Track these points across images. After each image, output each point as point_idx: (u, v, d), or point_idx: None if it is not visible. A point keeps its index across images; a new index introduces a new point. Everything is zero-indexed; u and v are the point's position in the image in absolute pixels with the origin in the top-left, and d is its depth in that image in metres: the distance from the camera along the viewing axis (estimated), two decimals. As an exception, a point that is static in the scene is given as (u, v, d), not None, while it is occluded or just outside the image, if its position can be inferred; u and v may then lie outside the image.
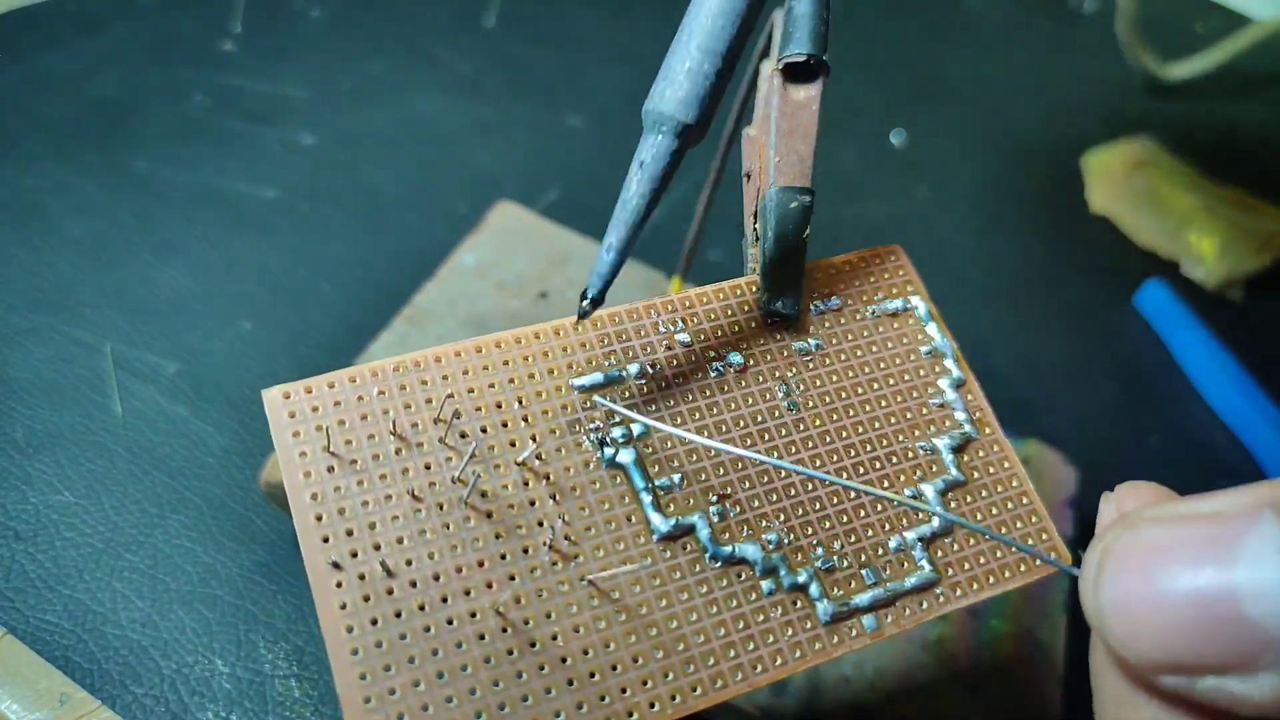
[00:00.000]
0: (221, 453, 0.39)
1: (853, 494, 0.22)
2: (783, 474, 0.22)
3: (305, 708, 0.33)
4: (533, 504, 0.20)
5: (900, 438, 0.23)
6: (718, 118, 0.24)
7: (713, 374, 0.23)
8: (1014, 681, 0.35)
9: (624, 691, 0.19)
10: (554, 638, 0.19)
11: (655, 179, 0.22)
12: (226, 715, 0.32)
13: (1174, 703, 0.15)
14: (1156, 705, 0.15)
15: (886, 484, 0.23)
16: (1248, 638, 0.14)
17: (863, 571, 0.21)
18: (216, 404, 0.40)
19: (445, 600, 0.19)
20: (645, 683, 0.19)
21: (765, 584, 0.21)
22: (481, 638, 0.19)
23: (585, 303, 0.21)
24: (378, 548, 0.19)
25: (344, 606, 0.18)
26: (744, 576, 0.21)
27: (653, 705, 0.19)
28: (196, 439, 0.39)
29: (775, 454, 0.22)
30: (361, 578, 0.19)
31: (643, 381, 0.22)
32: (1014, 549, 0.22)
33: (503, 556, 0.20)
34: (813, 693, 0.33)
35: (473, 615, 0.19)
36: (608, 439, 0.21)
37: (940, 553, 0.22)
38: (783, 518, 0.21)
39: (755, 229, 0.25)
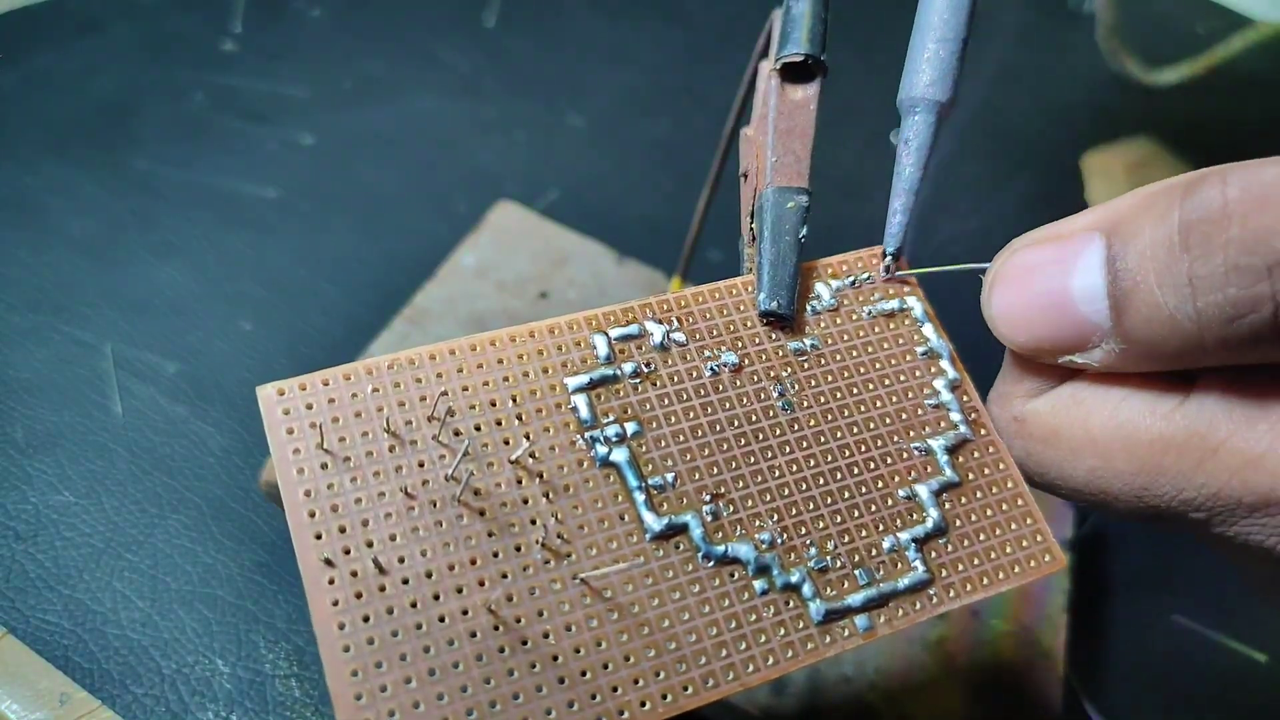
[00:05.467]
0: (221, 453, 0.39)
1: (847, 494, 0.22)
2: (777, 473, 0.22)
3: (305, 708, 0.33)
4: (526, 502, 0.20)
5: (895, 438, 0.23)
6: (716, 118, 0.25)
7: (708, 373, 0.23)
8: (1014, 681, 0.35)
9: (615, 690, 0.19)
10: (546, 635, 0.19)
11: (921, 150, 0.25)
12: (226, 715, 0.33)
13: (1047, 371, 0.22)
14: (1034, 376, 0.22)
15: (880, 484, 0.23)
16: (1082, 327, 0.19)
17: (856, 572, 0.21)
18: (216, 404, 0.41)
19: (437, 597, 0.19)
20: (637, 681, 0.19)
21: (758, 583, 0.21)
22: (473, 635, 0.19)
23: (887, 259, 0.25)
24: (370, 545, 0.19)
25: (336, 603, 0.18)
26: (737, 576, 0.21)
27: (644, 704, 0.19)
28: (196, 439, 0.39)
29: (769, 454, 0.22)
30: (354, 575, 0.19)
31: (637, 381, 0.22)
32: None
33: (495, 554, 0.20)
34: (813, 692, 0.33)
35: (465, 613, 0.19)
36: (601, 437, 0.21)
37: (934, 554, 0.22)
38: (776, 517, 0.21)
39: (752, 229, 0.25)
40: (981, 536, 0.23)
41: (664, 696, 0.19)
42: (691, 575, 0.20)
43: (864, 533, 0.22)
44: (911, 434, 0.23)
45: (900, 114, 0.25)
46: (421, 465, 0.20)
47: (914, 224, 0.25)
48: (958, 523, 0.23)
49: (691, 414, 0.22)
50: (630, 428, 0.22)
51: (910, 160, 0.25)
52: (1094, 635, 0.40)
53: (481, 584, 0.19)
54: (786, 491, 0.22)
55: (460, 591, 0.19)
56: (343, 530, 0.19)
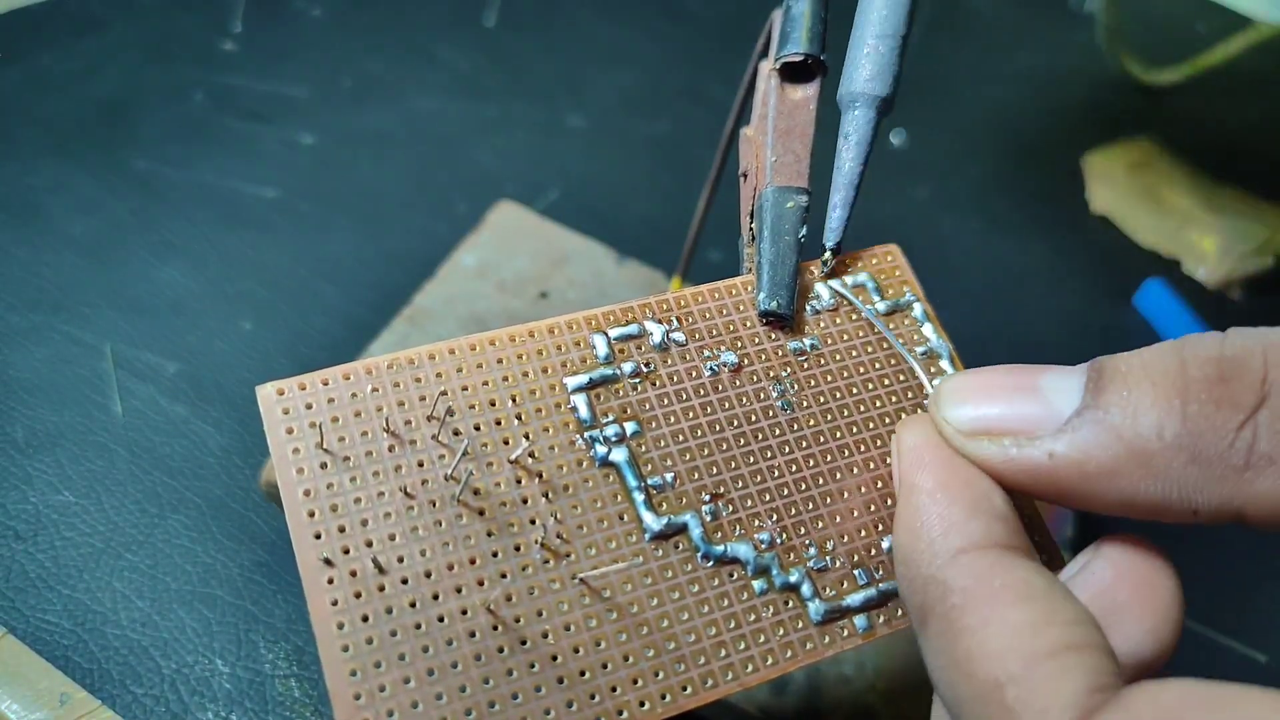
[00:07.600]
0: (221, 453, 0.39)
1: (846, 494, 0.22)
2: (776, 473, 0.22)
3: (305, 708, 0.33)
4: (525, 502, 0.20)
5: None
6: (716, 118, 0.25)
7: (707, 373, 0.23)
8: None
9: (614, 690, 0.19)
10: (545, 635, 0.19)
11: (861, 145, 0.25)
12: (226, 715, 0.33)
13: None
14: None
15: (880, 484, 0.23)
16: (1038, 410, 0.18)
17: (855, 572, 0.21)
18: (216, 404, 0.41)
19: (436, 597, 0.19)
20: (636, 681, 0.19)
21: (757, 583, 0.21)
22: (472, 635, 0.19)
23: (827, 254, 0.25)
24: (370, 544, 0.19)
25: (335, 603, 0.18)
26: (736, 576, 0.21)
27: (643, 704, 0.19)
28: (196, 439, 0.39)
29: (769, 454, 0.22)
30: (353, 574, 0.19)
31: (636, 381, 0.22)
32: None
33: (494, 554, 0.20)
34: (813, 692, 0.33)
35: (464, 612, 0.19)
36: (600, 437, 0.21)
37: (934, 552, 0.22)
38: (775, 517, 0.21)
39: (752, 229, 0.25)
40: (981, 536, 0.23)
41: (663, 696, 0.19)
42: (691, 575, 0.20)
43: (863, 533, 0.22)
44: (911, 434, 0.23)
45: (840, 109, 0.25)
46: (421, 465, 0.20)
47: (854, 217, 0.25)
48: (957, 522, 0.23)
49: (691, 414, 0.22)
50: (630, 427, 0.22)
51: (850, 155, 0.25)
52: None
53: (480, 584, 0.19)
54: (786, 491, 0.22)
55: (459, 591, 0.19)
56: (342, 530, 0.19)
